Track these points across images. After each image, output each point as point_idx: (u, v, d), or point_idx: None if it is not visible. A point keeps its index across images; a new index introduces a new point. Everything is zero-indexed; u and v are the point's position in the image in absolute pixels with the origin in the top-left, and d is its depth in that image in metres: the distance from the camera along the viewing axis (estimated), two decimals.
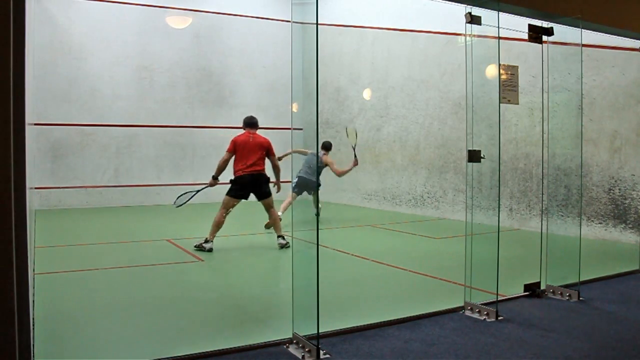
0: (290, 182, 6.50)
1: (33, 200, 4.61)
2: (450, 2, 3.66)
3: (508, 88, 3.86)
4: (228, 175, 6.13)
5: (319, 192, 8.70)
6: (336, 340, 3.09)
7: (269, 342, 3.03)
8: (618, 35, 4.99)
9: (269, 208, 6.21)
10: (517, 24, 4.06)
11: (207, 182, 6.22)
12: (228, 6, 11.81)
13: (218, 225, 5.98)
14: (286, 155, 7.92)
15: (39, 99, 9.53)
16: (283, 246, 6.06)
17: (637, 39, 5.08)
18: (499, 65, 3.72)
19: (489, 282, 3.64)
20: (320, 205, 8.63)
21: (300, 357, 2.84)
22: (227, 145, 6.15)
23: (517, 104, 4.01)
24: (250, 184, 6.02)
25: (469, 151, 3.70)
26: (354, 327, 3.29)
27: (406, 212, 9.86)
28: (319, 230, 3.07)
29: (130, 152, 10.96)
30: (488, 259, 3.66)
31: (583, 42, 4.14)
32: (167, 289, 4.48)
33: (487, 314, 3.53)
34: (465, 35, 3.68)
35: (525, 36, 4.19)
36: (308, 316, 2.91)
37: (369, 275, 5.07)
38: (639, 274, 4.88)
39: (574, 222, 4.66)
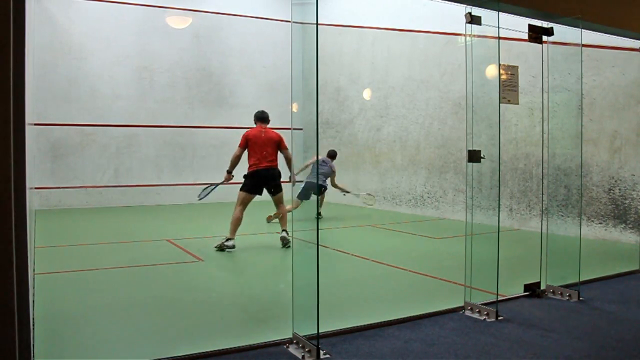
0: (288, 182, 6.60)
1: (33, 200, 4.61)
2: (450, 2, 3.66)
3: (508, 88, 3.86)
4: (241, 170, 6.15)
5: (324, 193, 9.01)
6: (336, 340, 3.09)
7: (269, 342, 3.03)
8: (618, 35, 4.99)
9: (279, 203, 6.23)
10: (517, 24, 4.05)
11: (211, 181, 6.22)
12: (228, 6, 11.81)
13: (237, 223, 5.97)
14: (303, 169, 8.33)
15: (39, 99, 9.53)
16: (285, 242, 6.05)
17: (637, 39, 5.08)
18: (499, 65, 3.72)
19: (489, 282, 3.63)
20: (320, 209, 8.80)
21: (300, 357, 2.84)
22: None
23: (517, 104, 4.01)
24: (264, 178, 6.04)
25: (469, 151, 3.70)
26: (354, 327, 3.29)
27: (406, 212, 9.86)
28: (319, 230, 3.07)
29: (130, 152, 10.96)
30: (488, 259, 3.66)
31: (583, 42, 4.14)
32: (167, 289, 4.48)
33: (487, 314, 3.53)
34: (465, 35, 3.67)
35: (525, 36, 4.19)
36: (308, 316, 2.91)
37: (369, 275, 5.06)
38: (639, 274, 4.88)
39: (574, 222, 4.66)
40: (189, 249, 6.05)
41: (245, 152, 6.12)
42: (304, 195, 8.12)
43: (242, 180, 6.13)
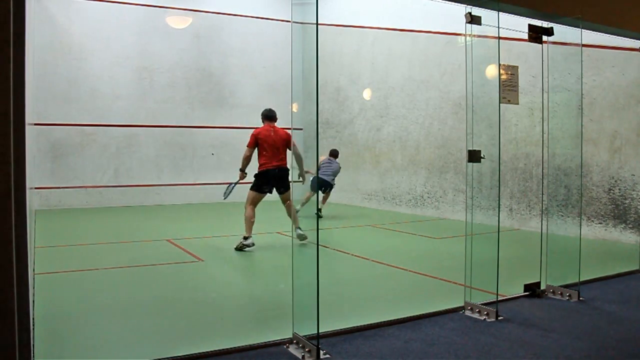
0: (298, 181, 6.71)
1: (33, 200, 4.61)
2: (450, 2, 3.66)
3: (508, 88, 3.86)
4: (250, 169, 6.16)
5: (328, 193, 9.30)
6: (336, 340, 3.09)
7: (269, 342, 3.03)
8: (618, 35, 4.98)
9: (286, 200, 6.23)
10: (517, 24, 4.05)
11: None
12: (228, 6, 11.81)
13: (250, 221, 5.99)
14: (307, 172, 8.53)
15: (39, 99, 9.53)
16: (303, 238, 6.04)
17: (637, 39, 5.08)
18: (499, 65, 3.72)
19: (489, 282, 3.63)
20: (320, 207, 8.92)
21: (300, 357, 2.84)
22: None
23: (517, 104, 4.01)
24: (275, 178, 6.05)
25: (469, 151, 3.70)
26: (354, 327, 3.29)
27: (406, 212, 9.86)
28: (319, 230, 3.07)
29: (130, 152, 10.96)
30: (488, 259, 3.66)
31: (583, 42, 4.14)
32: (167, 289, 4.48)
33: (487, 314, 3.53)
34: (465, 35, 3.67)
35: (525, 36, 4.19)
36: (308, 316, 2.91)
37: (369, 275, 5.06)
38: (639, 274, 4.88)
39: (574, 222, 4.66)
40: (189, 249, 6.05)
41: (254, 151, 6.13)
42: (316, 188, 8.52)
43: (253, 179, 6.14)
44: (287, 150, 6.15)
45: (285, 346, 3.00)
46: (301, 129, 11.32)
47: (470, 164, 3.70)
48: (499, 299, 3.67)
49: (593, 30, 4.58)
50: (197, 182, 11.35)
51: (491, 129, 3.73)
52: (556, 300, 4.01)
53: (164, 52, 11.23)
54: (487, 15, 3.63)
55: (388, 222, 8.57)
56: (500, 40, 3.62)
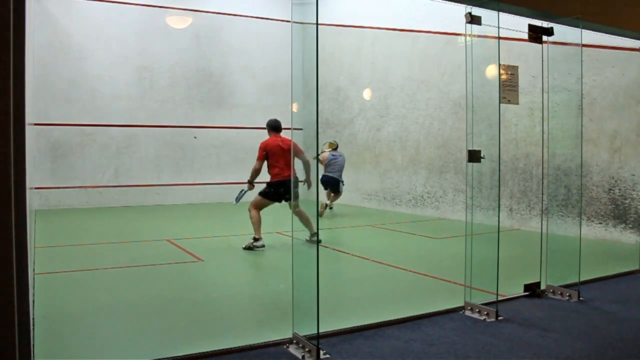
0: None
1: (33, 200, 4.61)
2: (450, 2, 3.66)
3: (508, 88, 3.86)
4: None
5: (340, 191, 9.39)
6: (336, 340, 3.09)
7: (269, 342, 3.03)
8: (618, 35, 4.99)
9: (296, 207, 6.21)
10: (517, 24, 4.05)
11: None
12: (228, 6, 11.81)
13: (258, 222, 6.03)
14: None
15: (39, 99, 9.52)
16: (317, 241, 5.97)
17: (637, 39, 5.08)
18: (499, 65, 3.72)
19: (489, 282, 3.63)
20: (320, 208, 8.91)
21: (300, 357, 2.84)
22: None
23: (517, 104, 4.01)
24: (288, 188, 6.09)
25: (469, 151, 3.70)
26: (354, 327, 3.29)
27: (406, 212, 9.86)
28: (319, 230, 3.07)
29: (130, 152, 10.96)
30: (488, 259, 3.66)
31: (583, 42, 4.14)
32: (167, 289, 4.48)
33: (487, 314, 3.53)
34: (465, 35, 3.67)
35: (525, 36, 4.19)
36: (308, 316, 2.91)
37: (369, 275, 5.06)
38: (639, 274, 4.88)
39: (574, 222, 4.66)
40: (189, 249, 6.05)
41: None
42: (329, 186, 8.73)
43: (265, 186, 6.14)
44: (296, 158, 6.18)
45: (285, 346, 3.00)
46: (301, 129, 11.29)
47: (470, 164, 3.70)
48: (499, 299, 3.67)
49: (593, 30, 4.58)
50: (197, 182, 11.35)
51: (491, 129, 3.73)
52: (556, 300, 4.01)
53: (164, 52, 11.23)
54: (487, 15, 3.64)
55: (388, 222, 8.57)
56: (500, 40, 3.62)
